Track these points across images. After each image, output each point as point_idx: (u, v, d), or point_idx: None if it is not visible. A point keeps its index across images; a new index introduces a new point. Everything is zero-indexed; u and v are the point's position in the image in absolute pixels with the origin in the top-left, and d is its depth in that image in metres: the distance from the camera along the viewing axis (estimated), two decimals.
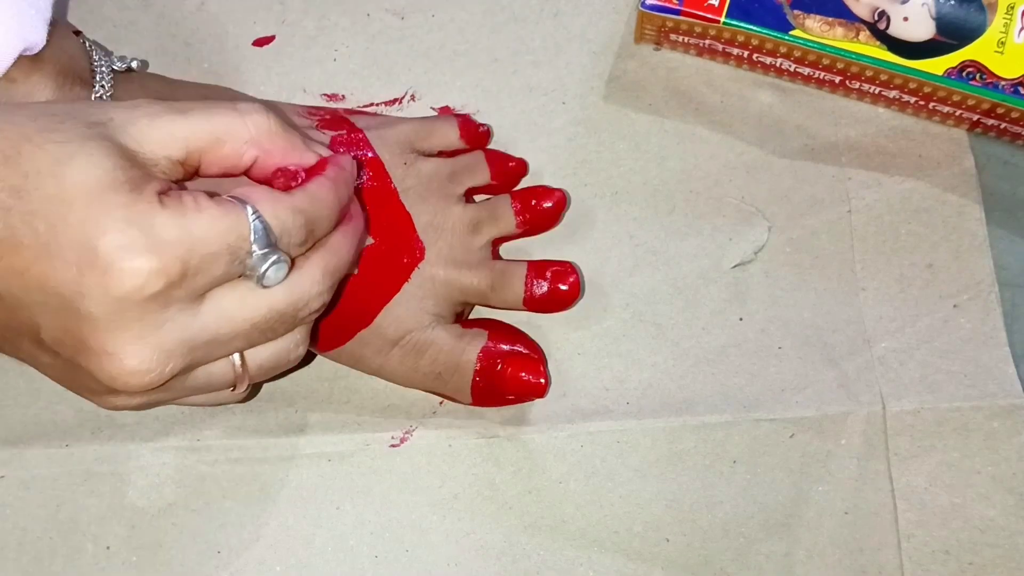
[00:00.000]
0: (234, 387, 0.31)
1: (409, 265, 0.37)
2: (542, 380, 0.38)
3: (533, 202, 0.40)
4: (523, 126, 0.43)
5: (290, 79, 0.43)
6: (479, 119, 0.42)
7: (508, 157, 0.41)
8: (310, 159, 0.31)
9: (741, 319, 0.41)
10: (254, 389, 0.39)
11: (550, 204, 0.40)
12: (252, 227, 0.27)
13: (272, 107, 0.30)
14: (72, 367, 0.28)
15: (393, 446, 0.39)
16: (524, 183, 0.42)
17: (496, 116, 0.43)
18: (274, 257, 0.28)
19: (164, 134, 0.28)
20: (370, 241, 0.37)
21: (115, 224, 0.26)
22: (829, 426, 0.39)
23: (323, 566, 0.38)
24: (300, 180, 0.30)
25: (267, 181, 0.30)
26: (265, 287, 0.28)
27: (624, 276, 0.41)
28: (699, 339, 0.40)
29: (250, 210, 0.27)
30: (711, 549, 0.38)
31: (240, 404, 0.40)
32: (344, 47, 0.44)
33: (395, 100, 0.43)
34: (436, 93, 0.43)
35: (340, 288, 0.37)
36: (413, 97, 0.43)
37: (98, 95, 0.34)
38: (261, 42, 0.44)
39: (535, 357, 0.38)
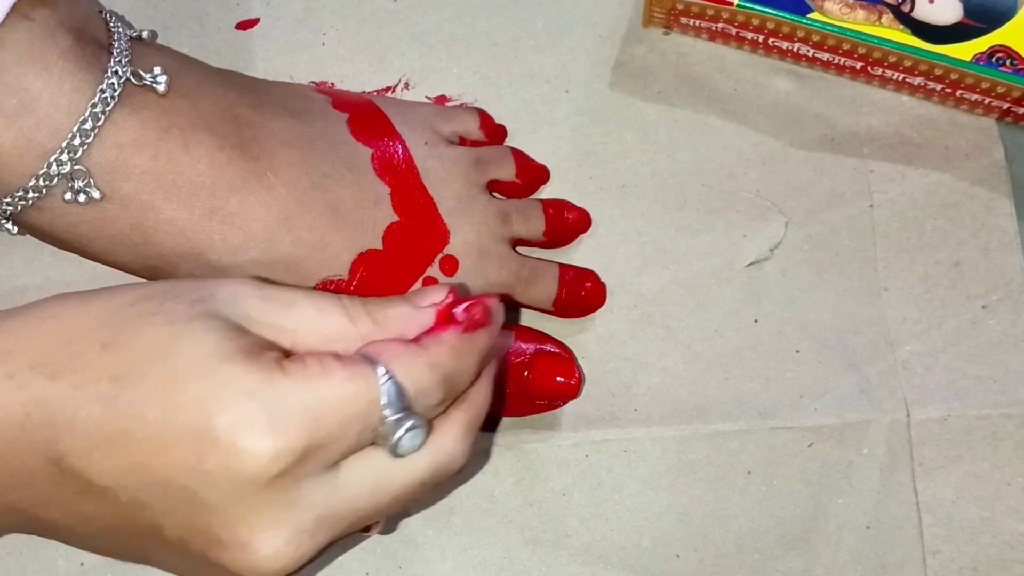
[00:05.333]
0: (368, 528, 0.30)
1: (433, 249, 0.37)
2: (573, 381, 0.37)
3: (565, 214, 0.40)
4: (524, 116, 0.42)
5: (275, 65, 0.42)
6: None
7: (533, 160, 0.41)
8: (427, 320, 0.28)
9: (756, 321, 0.40)
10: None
11: (577, 220, 0.40)
12: (384, 391, 0.26)
13: (369, 300, 0.29)
14: (204, 564, 0.26)
15: None
16: None
17: (495, 105, 0.42)
18: (408, 423, 0.26)
19: (272, 322, 0.27)
20: (395, 219, 0.36)
21: (232, 399, 0.25)
22: (850, 435, 0.39)
23: None
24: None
25: None
26: (399, 455, 0.27)
27: (631, 275, 0.41)
28: (711, 342, 0.40)
29: (381, 371, 0.26)
30: (724, 566, 0.38)
31: None
32: (333, 31, 0.43)
33: (388, 88, 0.42)
34: (431, 80, 0.43)
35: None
36: (407, 85, 0.43)
37: (117, 60, 0.33)
38: (244, 25, 0.43)
39: (565, 356, 0.38)
